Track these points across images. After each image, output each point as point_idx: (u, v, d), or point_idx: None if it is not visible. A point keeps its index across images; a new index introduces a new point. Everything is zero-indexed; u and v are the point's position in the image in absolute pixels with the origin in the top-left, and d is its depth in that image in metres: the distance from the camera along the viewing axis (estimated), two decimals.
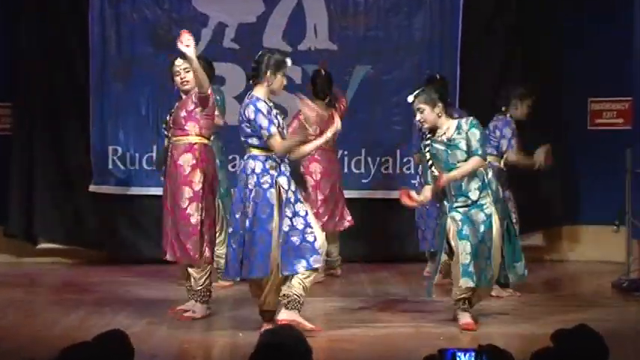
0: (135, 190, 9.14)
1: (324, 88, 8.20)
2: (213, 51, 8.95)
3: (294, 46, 9.15)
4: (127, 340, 3.49)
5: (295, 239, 5.93)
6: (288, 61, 6.10)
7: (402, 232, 8.71)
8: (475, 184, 6.25)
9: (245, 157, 6.10)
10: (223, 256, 7.68)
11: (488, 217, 6.23)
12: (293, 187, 6.01)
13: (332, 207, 8.26)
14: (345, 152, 9.02)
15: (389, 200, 9.17)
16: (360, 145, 9.21)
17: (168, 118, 6.74)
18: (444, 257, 6.51)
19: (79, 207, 9.22)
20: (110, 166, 9.17)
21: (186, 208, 6.53)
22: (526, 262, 7.03)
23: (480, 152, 6.21)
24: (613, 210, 8.37)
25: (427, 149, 6.34)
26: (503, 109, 7.52)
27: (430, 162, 6.32)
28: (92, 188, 9.12)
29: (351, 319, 6.71)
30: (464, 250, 6.17)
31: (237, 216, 6.03)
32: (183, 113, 6.59)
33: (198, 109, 6.55)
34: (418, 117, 6.32)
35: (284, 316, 5.93)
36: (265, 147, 5.99)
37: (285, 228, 5.92)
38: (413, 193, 6.39)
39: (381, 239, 9.18)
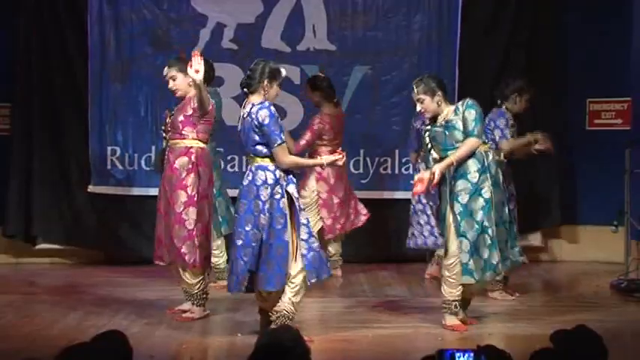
0: (134, 191, 9.14)
1: (331, 90, 8.30)
2: (212, 51, 8.94)
3: (293, 46, 9.15)
4: (125, 341, 3.49)
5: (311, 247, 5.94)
6: (283, 72, 6.07)
7: (401, 232, 8.69)
8: (474, 167, 6.20)
9: (253, 168, 5.97)
10: (218, 255, 7.71)
11: (487, 201, 6.19)
12: (297, 195, 6.01)
13: (347, 208, 8.41)
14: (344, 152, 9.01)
15: (388, 200, 9.19)
16: (358, 146, 9.21)
17: (167, 120, 6.75)
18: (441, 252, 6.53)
19: (77, 207, 9.22)
20: (109, 167, 9.16)
21: (181, 213, 6.52)
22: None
23: (475, 133, 6.19)
24: (612, 210, 8.37)
25: (427, 133, 6.33)
26: (499, 102, 7.47)
27: (430, 145, 6.30)
28: (91, 189, 9.12)
29: (350, 320, 6.71)
30: (463, 248, 6.16)
31: (247, 229, 5.90)
32: (181, 117, 6.61)
33: (196, 115, 6.56)
34: (419, 107, 6.32)
35: None
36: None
37: (304, 236, 5.90)
38: (420, 175, 6.27)
39: (380, 239, 9.18)
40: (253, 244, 5.89)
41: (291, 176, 5.98)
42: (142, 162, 9.08)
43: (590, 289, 8.05)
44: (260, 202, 5.87)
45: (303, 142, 8.17)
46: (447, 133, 6.23)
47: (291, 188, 5.93)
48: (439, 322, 6.39)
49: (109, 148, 9.15)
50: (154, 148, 8.87)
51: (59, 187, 9.22)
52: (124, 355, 3.43)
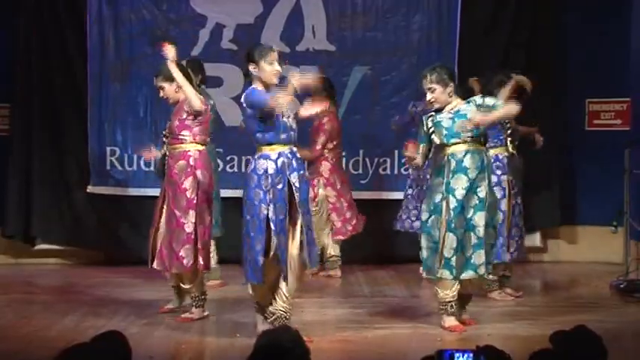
0: (133, 191, 9.14)
1: (332, 89, 8.34)
2: (211, 52, 8.97)
3: (293, 46, 9.15)
4: (124, 342, 3.49)
5: (311, 236, 5.90)
6: (274, 48, 5.87)
7: (400, 232, 8.71)
8: (475, 163, 6.15)
9: (256, 156, 5.90)
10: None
11: (481, 200, 6.16)
12: (304, 185, 5.89)
13: (355, 210, 8.61)
14: (344, 153, 9.01)
15: (387, 201, 9.19)
16: (358, 146, 9.22)
17: (167, 124, 6.79)
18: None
19: (77, 208, 9.22)
20: (108, 167, 9.17)
21: (181, 216, 6.53)
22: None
23: (501, 103, 6.22)
24: (611, 211, 8.37)
25: (430, 118, 6.23)
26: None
27: (432, 130, 6.20)
28: (90, 189, 9.13)
29: (349, 320, 6.70)
30: (450, 244, 6.10)
31: (247, 217, 5.85)
32: (176, 122, 6.63)
33: (191, 117, 6.57)
34: (429, 96, 6.21)
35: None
36: (276, 142, 5.83)
37: (304, 225, 5.82)
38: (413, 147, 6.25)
39: (379, 240, 9.18)
40: (251, 234, 5.81)
41: (297, 165, 5.85)
42: (142, 162, 9.08)
43: (589, 289, 8.06)
44: (260, 192, 5.81)
45: (318, 146, 8.28)
46: (456, 120, 6.16)
47: (294, 177, 5.82)
48: (438, 322, 6.39)
49: (109, 149, 9.15)
50: (152, 148, 8.86)
51: (59, 188, 9.23)
52: (123, 356, 3.43)
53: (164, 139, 6.84)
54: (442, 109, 6.25)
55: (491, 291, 7.30)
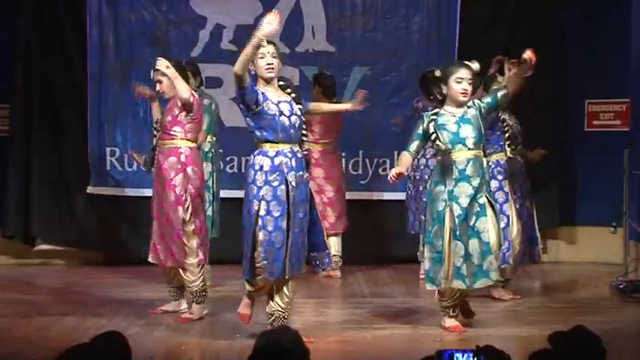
0: (132, 192, 9.14)
1: (332, 88, 8.33)
2: (211, 52, 8.97)
3: (292, 47, 9.14)
4: (124, 342, 3.49)
5: (302, 240, 5.84)
6: (266, 42, 5.76)
7: (400, 233, 8.71)
8: (476, 171, 6.13)
9: (255, 153, 5.86)
10: None
11: (482, 206, 6.14)
12: (302, 186, 5.84)
13: (339, 208, 8.52)
14: (343, 153, 9.01)
15: (387, 201, 9.19)
16: (357, 147, 9.21)
17: (158, 119, 6.81)
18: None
19: (76, 208, 9.22)
20: (108, 168, 9.17)
21: (170, 212, 6.54)
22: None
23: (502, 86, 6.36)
24: (610, 211, 8.37)
25: (431, 122, 6.18)
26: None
27: (433, 133, 6.16)
28: (90, 190, 9.13)
29: (349, 321, 6.70)
30: (458, 252, 6.10)
31: (245, 212, 5.81)
32: (168, 118, 6.64)
33: (183, 114, 6.58)
34: (465, 85, 6.16)
35: None
36: (275, 140, 5.79)
37: (296, 229, 5.77)
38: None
39: (379, 240, 9.18)
40: (246, 229, 5.80)
41: (296, 164, 5.81)
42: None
43: (589, 290, 8.05)
44: (255, 187, 5.77)
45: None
46: (462, 124, 6.15)
47: (291, 176, 5.78)
48: (438, 323, 6.39)
49: (108, 149, 9.16)
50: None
51: (58, 188, 9.23)
52: (123, 356, 3.43)
53: (155, 132, 6.86)
54: (447, 112, 6.22)
55: (494, 288, 7.22)
